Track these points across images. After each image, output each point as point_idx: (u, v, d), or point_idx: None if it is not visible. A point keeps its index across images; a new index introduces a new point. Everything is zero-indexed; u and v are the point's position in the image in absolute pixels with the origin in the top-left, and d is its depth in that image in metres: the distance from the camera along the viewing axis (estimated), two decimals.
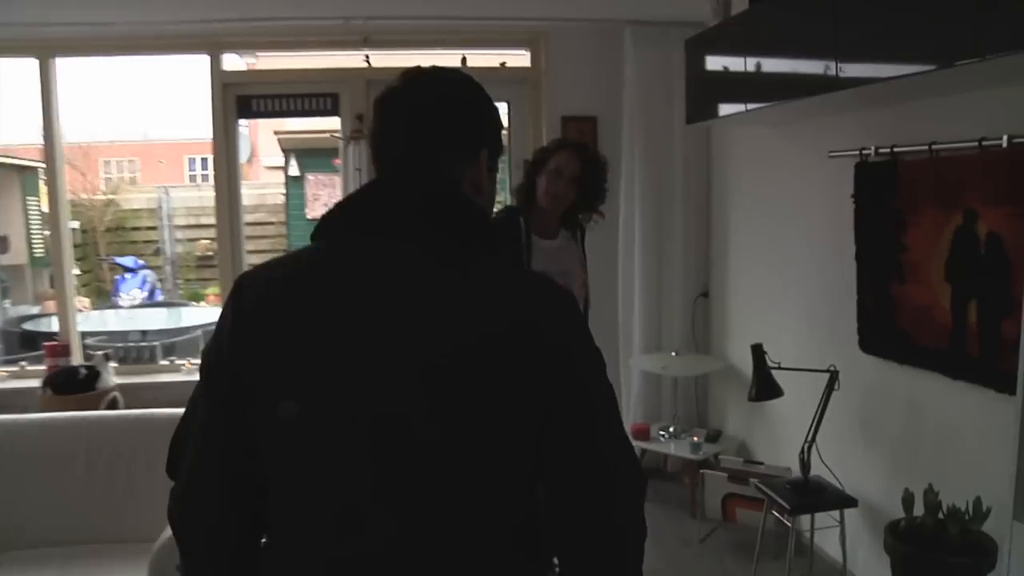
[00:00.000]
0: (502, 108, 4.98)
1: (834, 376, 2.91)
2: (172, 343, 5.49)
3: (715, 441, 4.03)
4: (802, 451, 2.99)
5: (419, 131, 1.16)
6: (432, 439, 1.02)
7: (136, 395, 4.02)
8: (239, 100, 4.34)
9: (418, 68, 1.20)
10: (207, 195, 9.80)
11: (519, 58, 4.62)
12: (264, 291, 1.12)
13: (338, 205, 1.15)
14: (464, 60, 4.50)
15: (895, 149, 2.70)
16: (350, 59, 4.43)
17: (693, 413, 4.47)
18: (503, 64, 4.64)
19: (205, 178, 15.03)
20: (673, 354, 4.19)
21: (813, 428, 2.97)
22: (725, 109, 3.46)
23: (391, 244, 1.08)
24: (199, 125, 12.68)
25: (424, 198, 1.12)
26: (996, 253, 2.30)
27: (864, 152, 2.86)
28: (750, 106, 3.15)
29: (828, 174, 3.19)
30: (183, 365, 4.41)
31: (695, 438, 3.91)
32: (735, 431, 4.19)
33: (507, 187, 4.71)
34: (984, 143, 2.32)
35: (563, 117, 4.45)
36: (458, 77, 1.21)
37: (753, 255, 3.99)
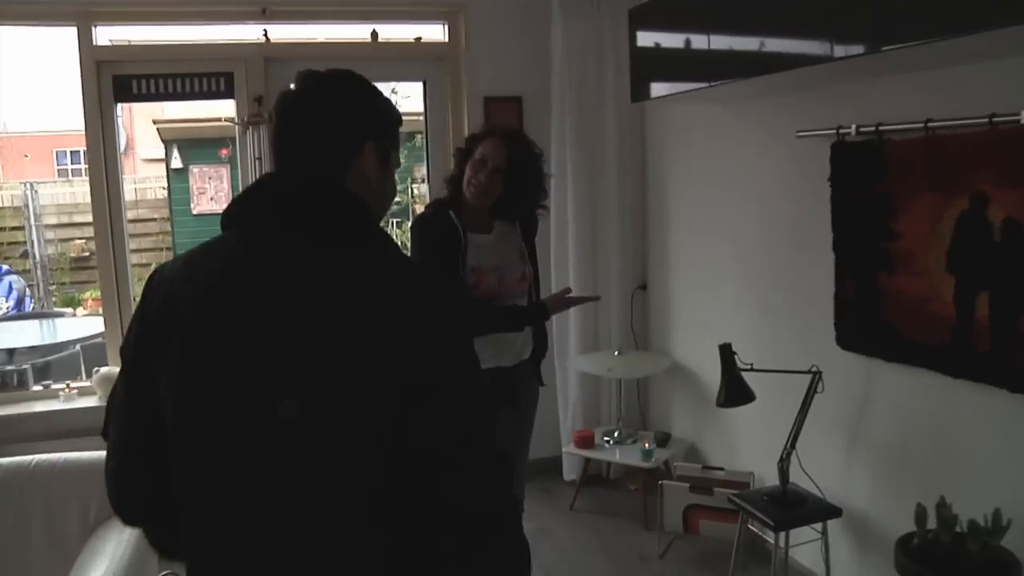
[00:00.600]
0: (417, 88, 4.57)
1: (816, 377, 2.65)
2: (47, 363, 4.74)
3: (664, 445, 3.75)
4: (781, 459, 2.73)
5: (298, 127, 1.23)
6: (316, 432, 1.06)
7: (4, 431, 3.43)
8: (116, 81, 3.75)
9: (309, 70, 1.25)
10: (80, 191, 8.92)
11: (435, 32, 4.20)
12: (172, 281, 1.18)
13: (234, 200, 1.21)
14: (375, 35, 4.05)
15: (881, 128, 2.45)
16: (247, 34, 3.91)
17: (635, 415, 4.19)
18: (418, 40, 4.21)
19: (77, 172, 13.86)
20: (616, 353, 3.89)
21: (792, 435, 2.71)
22: (676, 87, 3.15)
23: (280, 237, 1.13)
24: (70, 114, 11.59)
25: (297, 191, 1.17)
26: (1015, 241, 2.07)
27: (842, 131, 2.60)
28: (713, 83, 2.84)
29: (795, 156, 2.93)
30: (61, 390, 3.79)
31: (645, 444, 3.62)
32: (683, 433, 3.93)
33: (426, 176, 4.31)
34: (995, 120, 2.08)
35: (486, 97, 4.07)
36: (342, 74, 1.26)
37: (698, 245, 3.72)
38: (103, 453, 1.24)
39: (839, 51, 2.20)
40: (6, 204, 8.92)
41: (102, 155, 3.75)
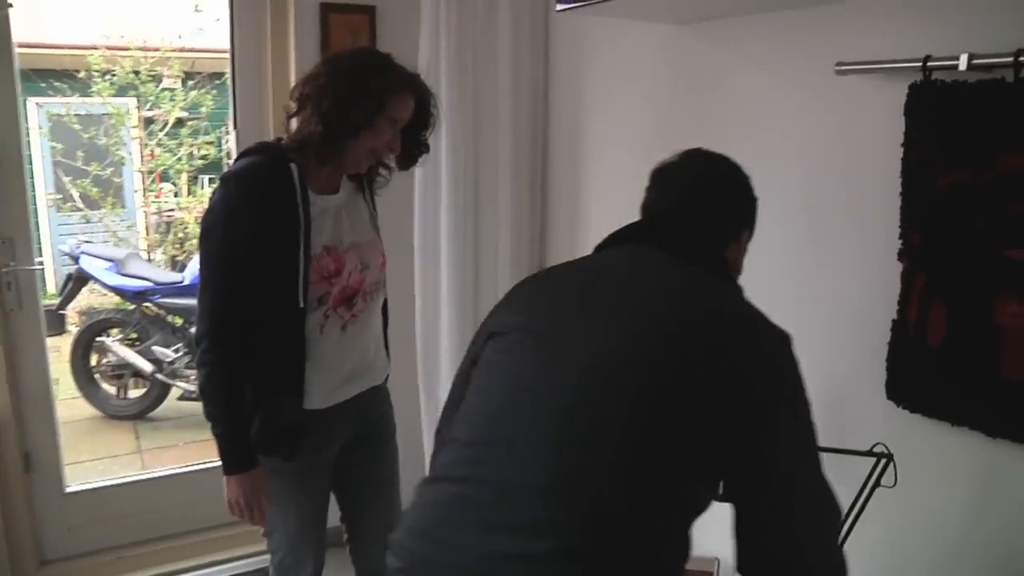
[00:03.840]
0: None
1: (884, 463, 1.64)
2: None
3: None
4: None
5: (707, 202, 1.43)
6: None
7: None
8: None
9: (724, 157, 1.46)
10: None
11: None
12: (534, 280, 1.48)
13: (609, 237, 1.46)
14: None
15: None
16: None
17: None
18: None
19: None
20: None
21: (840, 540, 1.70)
22: None
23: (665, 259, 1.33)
24: None
25: (696, 238, 1.37)
26: None
27: (934, 64, 1.58)
28: None
29: (829, 102, 1.89)
30: None
31: None
32: None
33: (233, 120, 2.98)
34: None
35: (323, 4, 2.79)
36: (726, 163, 1.46)
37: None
38: None
39: None
40: None
41: None
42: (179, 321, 4.56)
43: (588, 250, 2.70)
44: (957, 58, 1.53)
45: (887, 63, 1.67)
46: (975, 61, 1.51)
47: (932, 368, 1.68)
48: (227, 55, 2.94)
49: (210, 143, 6.88)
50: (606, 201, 2.74)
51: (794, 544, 1.18)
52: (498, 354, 1.29)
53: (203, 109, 6.65)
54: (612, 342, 1.18)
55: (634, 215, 2.54)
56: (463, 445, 1.23)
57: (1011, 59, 1.46)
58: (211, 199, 1.73)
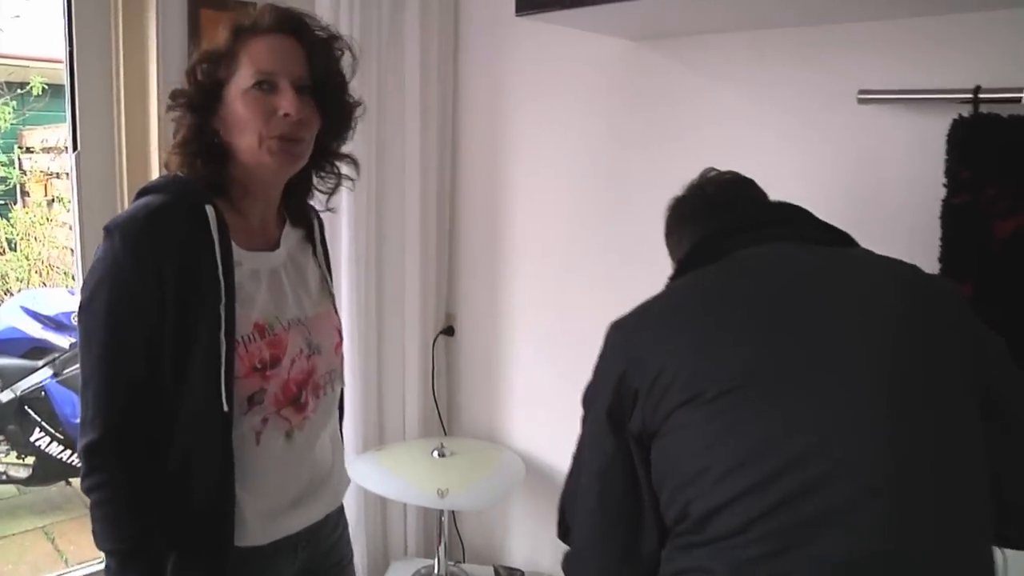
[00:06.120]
0: None
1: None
2: None
3: None
4: None
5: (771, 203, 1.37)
6: None
7: None
8: None
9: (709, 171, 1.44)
10: None
11: None
12: (667, 315, 1.19)
13: (706, 239, 1.28)
14: None
15: None
16: None
17: (450, 540, 2.69)
18: None
19: None
20: (435, 453, 2.38)
21: None
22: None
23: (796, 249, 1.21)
24: None
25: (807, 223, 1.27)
26: None
27: (984, 96, 1.41)
28: None
29: (840, 139, 1.69)
30: None
31: None
32: (533, 560, 2.54)
33: (72, 141, 2.42)
34: None
35: None
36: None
37: (578, 264, 2.36)
38: None
39: None
40: None
41: None
42: None
43: (508, 297, 2.36)
44: (1020, 91, 1.37)
45: (927, 93, 1.49)
46: None
47: None
48: (30, 62, 2.37)
49: (4, 165, 5.91)
50: (528, 232, 2.45)
51: None
52: (735, 410, 1.05)
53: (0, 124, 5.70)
54: (879, 366, 1.05)
55: (568, 244, 2.28)
56: (767, 535, 0.99)
57: None
58: (95, 257, 1.21)
